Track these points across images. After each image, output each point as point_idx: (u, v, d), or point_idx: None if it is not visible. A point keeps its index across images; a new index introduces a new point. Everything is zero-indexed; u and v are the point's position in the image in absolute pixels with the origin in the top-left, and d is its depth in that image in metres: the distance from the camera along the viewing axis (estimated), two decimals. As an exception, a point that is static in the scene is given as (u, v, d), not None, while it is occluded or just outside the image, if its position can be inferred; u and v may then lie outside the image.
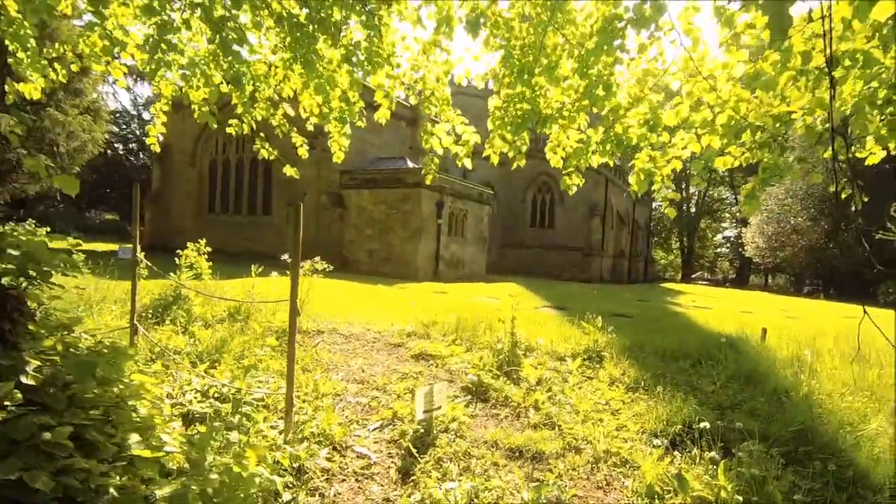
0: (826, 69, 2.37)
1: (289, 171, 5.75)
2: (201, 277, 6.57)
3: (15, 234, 2.46)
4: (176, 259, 6.55)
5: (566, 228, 30.27)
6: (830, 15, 1.95)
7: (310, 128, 5.18)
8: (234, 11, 3.94)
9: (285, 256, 5.10)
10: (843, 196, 3.46)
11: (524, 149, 4.52)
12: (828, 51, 1.99)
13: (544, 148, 4.56)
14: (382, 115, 4.91)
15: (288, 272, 5.88)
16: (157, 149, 5.65)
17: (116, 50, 4.55)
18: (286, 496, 2.57)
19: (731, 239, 57.52)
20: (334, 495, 2.83)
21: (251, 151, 5.45)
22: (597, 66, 3.74)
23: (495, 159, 4.63)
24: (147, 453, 1.96)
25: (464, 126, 4.64)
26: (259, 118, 5.19)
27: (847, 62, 2.56)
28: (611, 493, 2.99)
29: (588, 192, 28.85)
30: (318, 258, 6.45)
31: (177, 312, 5.65)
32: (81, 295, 5.99)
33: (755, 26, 3.05)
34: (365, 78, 4.61)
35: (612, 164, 4.18)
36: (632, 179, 4.07)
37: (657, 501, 2.79)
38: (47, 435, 1.64)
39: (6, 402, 1.66)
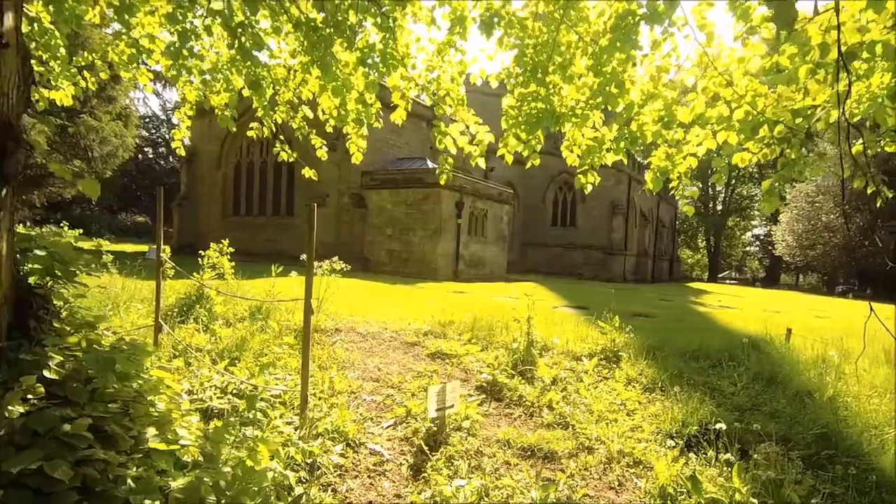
0: (842, 63, 2.30)
1: (307, 172, 5.85)
2: (224, 277, 6.73)
3: (42, 236, 2.58)
4: (199, 259, 6.73)
5: (588, 227, 29.94)
6: (838, 7, 1.89)
7: (329, 130, 5.26)
8: (250, 18, 4.04)
9: (304, 256, 5.20)
10: (869, 191, 3.36)
11: (538, 148, 4.50)
12: (839, 41, 1.94)
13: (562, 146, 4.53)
14: (398, 116, 4.95)
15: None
16: (183, 152, 5.81)
17: (143, 57, 4.71)
18: (298, 490, 2.62)
19: (761, 237, 56.02)
20: (346, 491, 2.88)
21: (274, 154, 5.55)
22: (611, 64, 3.71)
23: (509, 158, 4.63)
24: (163, 446, 2.04)
25: (478, 126, 4.64)
26: (279, 121, 5.30)
27: (865, 54, 2.48)
28: (623, 494, 2.97)
29: (610, 190, 28.49)
30: (336, 258, 6.54)
31: (199, 311, 5.81)
32: (110, 294, 6.21)
33: (772, 19, 2.98)
34: (380, 80, 4.65)
35: (626, 161, 4.14)
36: (647, 177, 4.02)
37: (670, 502, 2.75)
38: (67, 427, 1.73)
39: (29, 396, 1.75)
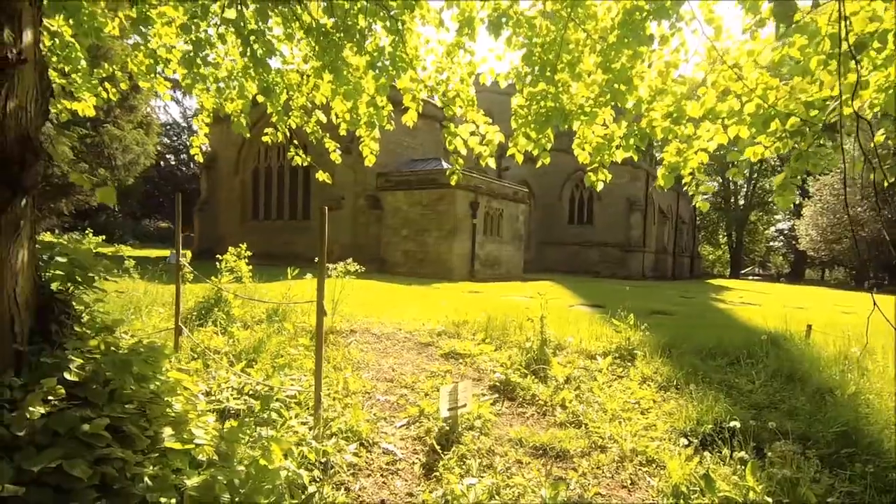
0: (850, 53, 2.26)
1: (321, 176, 5.93)
2: (241, 280, 6.86)
3: (64, 243, 2.68)
4: (216, 263, 6.87)
5: (605, 224, 29.66)
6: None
7: (343, 133, 5.32)
8: (262, 25, 4.12)
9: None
10: (886, 184, 3.28)
11: (549, 146, 4.49)
12: (840, 34, 1.90)
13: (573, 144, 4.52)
14: (410, 118, 4.99)
15: (327, 274, 6.08)
16: (201, 159, 5.94)
17: (160, 67, 4.84)
18: (311, 489, 2.67)
19: (784, 232, 54.73)
20: (359, 489, 2.92)
21: (290, 158, 5.65)
22: (620, 60, 3.69)
23: (520, 158, 4.63)
24: (178, 445, 2.10)
25: (487, 126, 4.66)
26: (294, 126, 5.38)
27: (876, 44, 2.43)
28: (635, 493, 2.95)
29: (627, 186, 28.18)
30: (350, 259, 6.61)
31: (218, 314, 5.93)
32: (132, 298, 6.38)
33: (798, 7, 2.93)
34: (390, 83, 4.70)
35: (636, 158, 4.10)
36: (659, 174, 3.98)
37: (682, 501, 2.73)
38: (86, 427, 1.80)
39: (50, 397, 1.83)
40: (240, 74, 4.86)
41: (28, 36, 2.11)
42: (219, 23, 4.24)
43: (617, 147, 4.07)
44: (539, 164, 4.56)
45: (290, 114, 5.25)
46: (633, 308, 6.70)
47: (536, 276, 21.39)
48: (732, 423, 3.26)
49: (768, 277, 54.44)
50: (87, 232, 6.31)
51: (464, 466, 3.12)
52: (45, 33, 4.21)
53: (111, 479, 1.80)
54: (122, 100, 17.56)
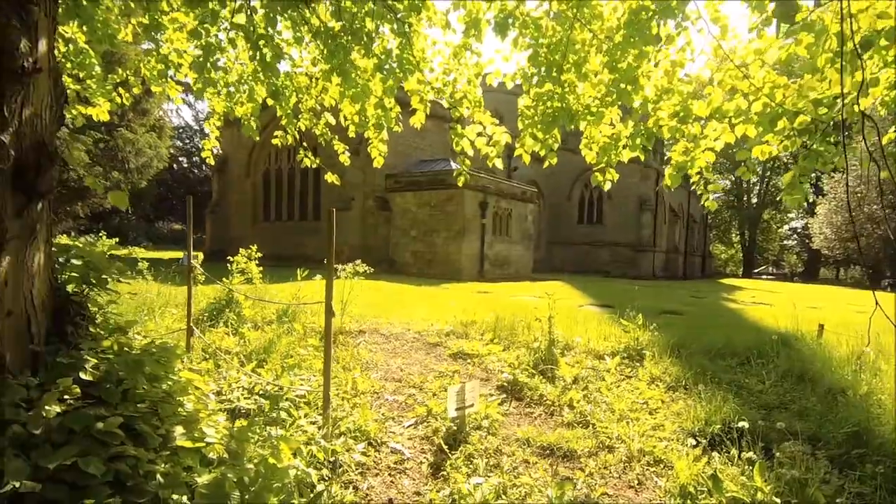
0: (856, 51, 2.24)
1: (330, 178, 5.98)
2: (252, 282, 6.95)
3: (79, 246, 2.74)
4: (228, 265, 6.95)
5: (615, 224, 29.50)
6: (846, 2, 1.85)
7: (352, 135, 5.36)
8: (270, 30, 4.17)
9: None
10: (896, 182, 3.24)
11: (555, 147, 4.49)
12: (842, 32, 1.90)
13: (581, 144, 4.52)
14: (418, 120, 5.01)
15: (336, 275, 6.14)
16: (212, 161, 6.02)
17: (172, 71, 4.92)
18: (320, 487, 2.70)
19: (798, 230, 54.00)
20: (367, 488, 2.95)
21: (300, 160, 5.71)
22: (626, 60, 3.69)
23: (527, 158, 4.64)
24: (189, 444, 2.15)
25: (494, 127, 4.67)
26: (303, 128, 5.44)
27: (883, 41, 2.41)
28: (642, 493, 2.95)
29: (637, 185, 28.03)
30: (359, 260, 6.66)
31: (228, 315, 6.01)
32: (146, 299, 6.48)
33: (799, 7, 2.91)
34: (397, 85, 4.73)
35: (643, 158, 4.09)
36: (666, 173, 3.97)
37: (690, 502, 2.72)
38: (100, 425, 1.85)
39: (65, 396, 1.88)
40: (250, 78, 4.92)
41: (43, 45, 2.17)
42: (228, 28, 4.31)
43: (624, 147, 4.07)
44: (546, 164, 4.57)
45: (300, 116, 5.31)
46: (643, 308, 6.67)
47: (546, 276, 21.34)
48: (741, 424, 3.25)
49: (782, 276, 53.76)
50: (101, 234, 6.42)
51: (471, 466, 3.14)
52: (59, 40, 4.30)
53: (125, 477, 1.84)
54: (134, 104, 17.81)
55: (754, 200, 51.97)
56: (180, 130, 46.82)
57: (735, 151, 3.89)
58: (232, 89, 4.99)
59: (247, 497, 2.16)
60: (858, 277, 41.15)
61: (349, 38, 4.29)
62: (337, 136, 5.62)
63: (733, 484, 2.73)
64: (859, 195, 29.95)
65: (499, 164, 4.78)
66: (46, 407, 1.80)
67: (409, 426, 3.79)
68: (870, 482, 2.77)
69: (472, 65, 4.69)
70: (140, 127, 20.94)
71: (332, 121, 5.30)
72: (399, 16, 4.38)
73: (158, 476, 1.97)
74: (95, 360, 2.18)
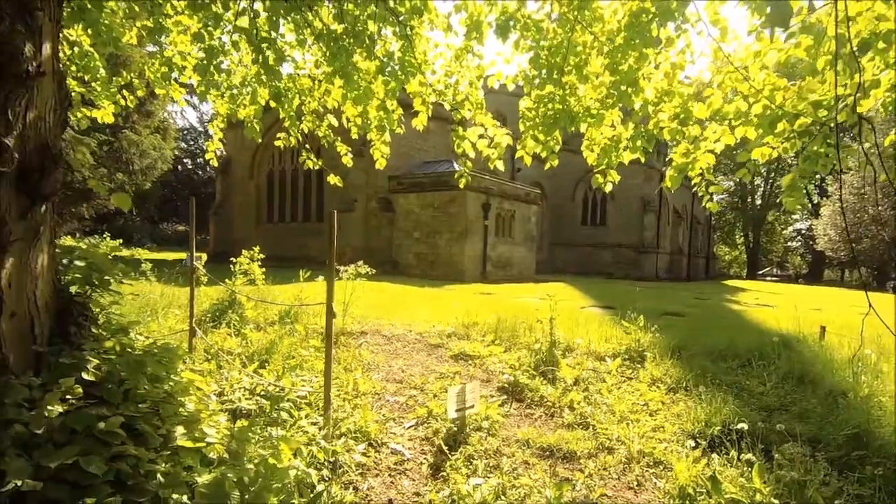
0: (853, 54, 2.25)
1: (332, 179, 6.01)
2: (255, 283, 6.98)
3: (82, 247, 2.77)
4: (231, 266, 6.99)
5: (618, 225, 29.45)
6: (836, 2, 1.86)
7: (355, 136, 5.38)
8: (273, 33, 4.20)
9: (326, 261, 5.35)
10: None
11: (556, 148, 4.51)
12: (837, 34, 1.90)
13: (582, 146, 4.53)
14: (420, 122, 5.03)
15: (337, 276, 6.16)
16: (216, 163, 6.06)
17: (176, 74, 4.95)
18: (320, 488, 2.72)
19: (803, 231, 53.79)
20: (367, 489, 2.97)
21: (303, 162, 5.74)
22: (627, 62, 3.70)
23: (528, 160, 4.66)
24: (190, 444, 2.17)
25: (495, 129, 4.68)
26: (306, 130, 5.46)
27: (881, 44, 2.42)
28: (642, 494, 2.95)
29: (640, 187, 27.99)
30: (361, 262, 6.68)
31: (231, 316, 6.04)
32: (149, 300, 6.52)
33: (793, 11, 2.92)
34: (399, 87, 4.75)
35: (643, 160, 4.10)
36: (667, 174, 3.98)
37: (689, 503, 2.73)
38: (102, 425, 1.87)
39: (67, 396, 1.91)
40: (253, 80, 4.95)
41: (47, 49, 2.20)
42: (231, 31, 4.34)
43: (624, 149, 4.08)
44: (547, 166, 4.58)
45: (303, 118, 5.33)
46: (646, 309, 6.67)
47: (549, 278, 21.32)
48: (740, 425, 3.25)
49: (786, 278, 53.55)
50: (105, 236, 6.47)
51: (471, 467, 3.15)
52: (64, 43, 4.35)
53: (125, 476, 1.86)
54: (139, 105, 17.95)
55: (758, 202, 51.80)
56: (184, 132, 47.04)
57: (738, 153, 3.90)
58: (235, 92, 5.02)
59: (247, 497, 2.18)
60: (864, 279, 40.90)
61: (351, 40, 4.31)
62: (340, 138, 5.65)
63: (732, 485, 2.74)
64: (864, 196, 29.84)
65: (500, 165, 4.79)
66: (49, 407, 1.83)
67: (409, 427, 3.80)
68: (869, 484, 2.77)
69: (474, 67, 4.71)
70: (144, 129, 21.07)
71: (335, 123, 5.32)
72: (401, 18, 4.40)
73: (159, 475, 1.99)
74: (97, 361, 2.20)
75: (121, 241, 5.97)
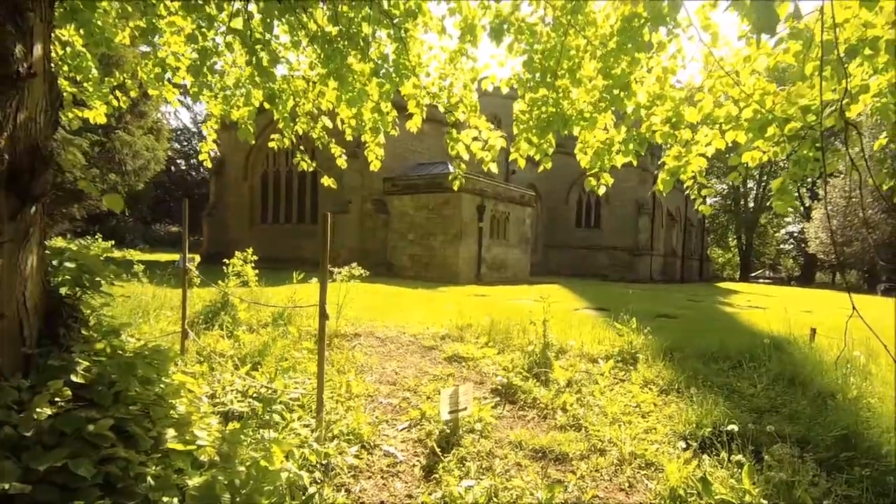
0: (840, 60, 2.28)
1: (326, 181, 6.00)
2: (248, 285, 6.95)
3: (72, 249, 2.76)
4: (224, 268, 6.96)
5: (613, 228, 29.58)
6: (822, 10, 1.89)
7: (349, 138, 5.38)
8: (267, 35, 4.20)
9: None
10: (885, 188, 3.28)
11: (550, 151, 4.53)
12: (822, 41, 1.93)
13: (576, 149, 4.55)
14: (414, 124, 5.04)
15: (331, 278, 6.14)
16: (209, 164, 6.05)
17: (169, 74, 4.93)
18: (312, 490, 2.72)
19: (795, 234, 54.24)
20: (360, 491, 2.96)
21: (298, 163, 5.73)
22: (620, 66, 3.73)
23: (522, 163, 4.68)
24: (180, 446, 2.16)
25: (489, 131, 4.70)
26: (300, 132, 5.45)
27: (867, 51, 2.45)
28: (633, 495, 2.97)
29: (634, 189, 28.12)
30: (355, 263, 6.68)
31: (224, 318, 6.01)
32: (140, 302, 6.48)
33: (780, 17, 2.96)
34: (394, 89, 4.75)
35: (635, 163, 4.13)
36: (659, 178, 4.01)
37: (679, 504, 2.75)
38: (91, 427, 1.86)
39: (56, 399, 1.90)
40: (246, 82, 4.94)
41: (38, 49, 2.19)
42: (225, 32, 4.33)
43: (617, 152, 4.10)
44: (541, 168, 4.60)
45: (297, 120, 5.32)
46: (639, 312, 6.70)
47: (543, 280, 21.37)
48: (730, 427, 3.27)
49: (779, 280, 53.95)
50: (96, 237, 6.43)
51: (463, 469, 3.15)
52: (56, 43, 4.32)
53: (115, 479, 1.85)
54: (132, 106, 17.87)
55: (751, 205, 52.19)
56: (178, 133, 46.79)
57: (729, 156, 3.94)
58: (228, 93, 5.01)
59: (238, 500, 2.17)
60: (855, 282, 41.29)
61: (346, 42, 4.31)
62: (334, 140, 5.64)
63: (722, 487, 2.76)
64: (854, 200, 30.12)
65: (493, 168, 4.80)
66: (38, 409, 1.82)
67: (402, 429, 3.80)
68: (858, 485, 2.80)
69: (468, 70, 4.73)
70: (137, 129, 20.96)
71: (330, 124, 5.32)
72: (395, 21, 4.41)
73: (149, 478, 1.98)
74: (87, 363, 2.19)
75: (113, 242, 5.94)
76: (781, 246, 61.70)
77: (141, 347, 2.63)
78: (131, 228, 38.30)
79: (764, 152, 3.41)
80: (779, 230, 59.23)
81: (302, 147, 5.75)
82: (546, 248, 30.91)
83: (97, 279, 2.65)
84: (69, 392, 1.95)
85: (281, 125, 5.24)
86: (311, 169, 5.77)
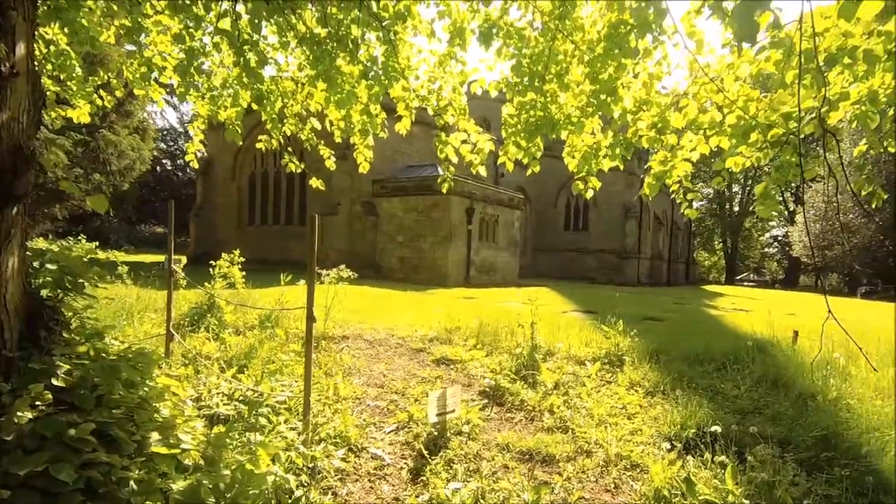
0: (819, 69, 2.34)
1: (315, 183, 5.98)
2: (235, 286, 6.89)
3: (54, 250, 2.72)
4: (211, 269, 6.89)
5: (600, 231, 29.83)
6: (801, 19, 1.94)
7: (338, 140, 5.36)
8: (255, 36, 4.18)
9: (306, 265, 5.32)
10: (863, 193, 3.36)
11: (538, 155, 4.56)
12: (801, 51, 1.98)
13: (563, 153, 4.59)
14: (403, 127, 5.04)
15: (319, 280, 6.11)
16: (196, 165, 5.97)
17: (155, 74, 4.88)
18: (298, 493, 2.70)
19: (779, 238, 55.14)
20: (346, 494, 2.95)
21: (286, 164, 5.69)
22: (607, 71, 3.77)
23: (510, 166, 4.70)
24: (164, 450, 2.14)
25: (478, 135, 4.72)
26: (288, 133, 5.42)
27: (846, 59, 2.51)
28: (619, 496, 2.99)
29: (622, 193, 28.39)
30: (343, 266, 6.65)
31: (210, 320, 5.95)
32: (124, 304, 6.39)
33: (760, 26, 3.01)
34: (383, 92, 4.75)
35: (622, 167, 4.18)
36: (645, 182, 4.06)
37: (664, 505, 2.78)
38: (73, 431, 1.83)
39: (37, 402, 1.87)
40: (234, 82, 4.91)
41: (21, 49, 2.16)
42: (213, 32, 4.30)
43: (604, 156, 4.15)
44: (529, 171, 4.63)
45: (285, 121, 5.30)
46: (626, 314, 6.76)
47: (532, 282, 21.46)
48: (713, 428, 3.31)
49: (763, 283, 54.74)
50: (79, 238, 6.31)
51: (451, 471, 3.16)
52: (39, 41, 4.26)
53: (97, 483, 1.83)
54: (117, 105, 17.66)
55: (736, 209, 52.95)
56: (164, 133, 46.26)
57: (714, 161, 4.00)
58: (216, 93, 4.97)
59: (223, 503, 2.16)
60: (836, 285, 42.06)
61: (335, 44, 4.30)
62: (323, 142, 5.62)
63: (706, 487, 2.79)
64: (835, 204, 30.69)
65: (482, 171, 4.82)
66: (18, 413, 1.79)
67: (390, 432, 3.80)
68: (837, 485, 2.86)
69: (457, 73, 4.74)
70: (123, 129, 20.71)
71: (318, 126, 5.30)
72: (385, 24, 4.41)
73: (132, 483, 1.96)
74: (68, 366, 2.16)
75: (97, 243, 5.85)
76: (766, 249, 62.69)
77: (125, 350, 2.60)
78: (116, 229, 37.73)
79: (747, 158, 3.47)
80: (763, 234, 60.18)
81: (290, 148, 5.72)
82: (535, 250, 31.06)
83: (80, 281, 2.61)
84: (50, 396, 1.93)
85: (269, 126, 5.20)
86: (299, 171, 5.75)
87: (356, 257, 18.49)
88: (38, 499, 1.67)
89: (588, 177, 4.41)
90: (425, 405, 4.04)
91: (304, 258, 3.54)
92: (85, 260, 2.77)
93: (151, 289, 7.66)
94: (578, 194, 4.44)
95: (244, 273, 7.04)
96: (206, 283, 6.39)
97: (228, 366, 4.62)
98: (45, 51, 4.44)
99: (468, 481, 3.02)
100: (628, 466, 3.28)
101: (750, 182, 49.56)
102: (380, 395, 4.51)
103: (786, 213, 47.12)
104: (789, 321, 9.15)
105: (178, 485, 2.05)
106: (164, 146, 45.94)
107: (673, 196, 4.26)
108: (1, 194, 2.03)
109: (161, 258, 18.41)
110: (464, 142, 4.72)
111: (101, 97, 5.21)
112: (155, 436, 2.22)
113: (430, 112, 4.91)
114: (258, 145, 5.47)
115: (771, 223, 56.90)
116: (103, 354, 2.45)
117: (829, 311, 1.83)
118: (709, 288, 32.15)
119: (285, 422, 3.56)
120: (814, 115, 3.01)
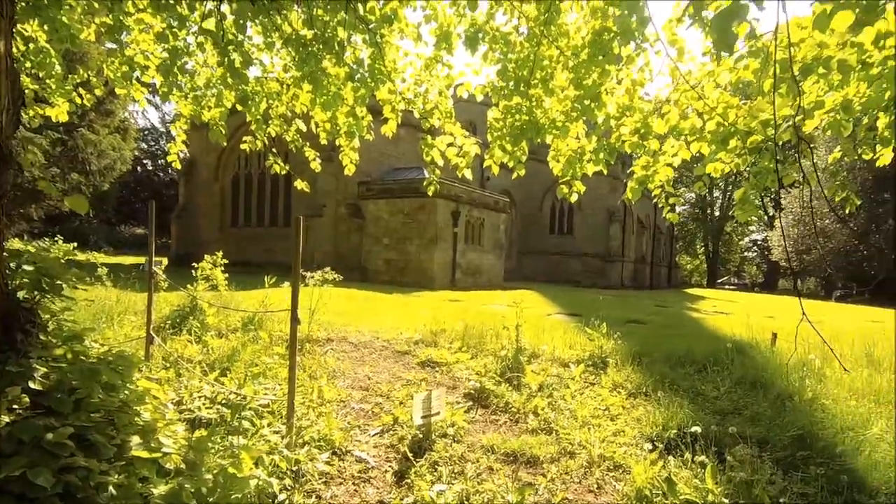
0: (796, 78, 2.41)
1: (299, 184, 5.95)
2: (218, 289, 6.81)
3: (31, 251, 2.66)
4: (193, 271, 6.80)
5: (585, 235, 30.14)
6: (777, 30, 2.00)
7: (324, 142, 5.34)
8: (240, 37, 4.15)
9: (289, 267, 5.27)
10: (837, 199, 3.46)
11: (523, 159, 4.59)
12: (775, 61, 2.04)
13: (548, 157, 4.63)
14: (389, 129, 5.05)
15: (304, 282, 6.07)
16: (178, 165, 5.89)
17: (137, 73, 4.81)
18: (282, 497, 2.68)
19: (759, 242, 56.23)
20: (331, 497, 2.94)
21: (271, 166, 5.64)
22: (591, 77, 3.82)
23: (496, 169, 4.73)
24: (145, 454, 2.10)
25: (464, 138, 4.74)
26: (273, 134, 5.38)
27: (821, 69, 2.59)
28: (602, 497, 3.03)
29: (606, 197, 28.71)
30: (328, 268, 6.62)
31: (192, 323, 5.87)
32: (104, 306, 6.28)
33: (738, 36, 3.09)
34: (369, 94, 4.75)
35: (605, 172, 4.24)
36: (628, 187, 4.12)
37: (645, 505, 2.81)
38: (50, 435, 1.80)
39: (14, 406, 1.83)
40: (218, 82, 4.86)
41: (0, 47, 2.12)
42: (197, 32, 4.25)
43: (588, 161, 4.20)
44: (514, 175, 4.67)
45: (270, 122, 5.26)
46: (610, 317, 6.84)
47: (517, 285, 21.56)
48: (694, 428, 3.37)
49: (743, 287, 55.75)
50: (56, 239, 6.20)
51: (435, 473, 3.16)
52: (18, 39, 4.17)
53: (75, 488, 1.80)
54: (97, 104, 17.34)
55: (717, 213, 53.88)
56: (146, 132, 45.51)
57: (696, 166, 4.09)
58: (199, 93, 4.92)
59: (205, 507, 2.13)
60: (813, 288, 43.01)
61: (321, 46, 4.29)
62: (308, 143, 5.60)
63: (687, 486, 2.84)
64: (813, 209, 31.42)
65: (468, 174, 4.85)
66: (-7, 417, 1.75)
67: (374, 434, 3.79)
68: (813, 483, 2.92)
69: (444, 77, 4.76)
70: (103, 128, 20.34)
71: (304, 127, 5.27)
72: (371, 26, 4.41)
73: (111, 488, 1.92)
74: (45, 369, 2.12)
75: (75, 244, 5.74)
76: (746, 253, 63.86)
77: (105, 353, 2.56)
78: (95, 230, 36.97)
79: (727, 164, 3.55)
80: (743, 238, 61.32)
81: (275, 150, 5.68)
82: (520, 254, 31.23)
83: (57, 283, 2.56)
84: (27, 399, 1.89)
85: (253, 127, 5.16)
86: (283, 173, 5.71)
87: (342, 259, 18.40)
88: (14, 503, 1.64)
89: (573, 181, 4.46)
90: (410, 408, 4.04)
91: (288, 260, 3.52)
92: (63, 261, 2.72)
93: (132, 291, 7.53)
94: (563, 198, 4.48)
95: (227, 275, 6.97)
96: (188, 286, 6.30)
97: (211, 369, 4.56)
98: (23, 48, 4.35)
99: (453, 483, 3.02)
100: (611, 467, 3.31)
101: (731, 187, 50.48)
102: (364, 397, 4.49)
103: (765, 217, 48.10)
104: (768, 324, 9.34)
105: (160, 489, 2.02)
106: (146, 146, 45.20)
107: (655, 200, 4.34)
108: (-23, 194, 1.99)
109: (142, 260, 18.09)
110: (450, 145, 4.74)
111: (80, 95, 5.12)
112: (135, 440, 2.18)
113: (417, 115, 4.92)
114: (243, 146, 5.43)
115: (751, 228, 58.01)
116: (82, 357, 2.40)
117: (804, 314, 1.88)
118: (691, 291, 32.65)
119: (269, 425, 3.53)
120: (790, 122, 3.10)
